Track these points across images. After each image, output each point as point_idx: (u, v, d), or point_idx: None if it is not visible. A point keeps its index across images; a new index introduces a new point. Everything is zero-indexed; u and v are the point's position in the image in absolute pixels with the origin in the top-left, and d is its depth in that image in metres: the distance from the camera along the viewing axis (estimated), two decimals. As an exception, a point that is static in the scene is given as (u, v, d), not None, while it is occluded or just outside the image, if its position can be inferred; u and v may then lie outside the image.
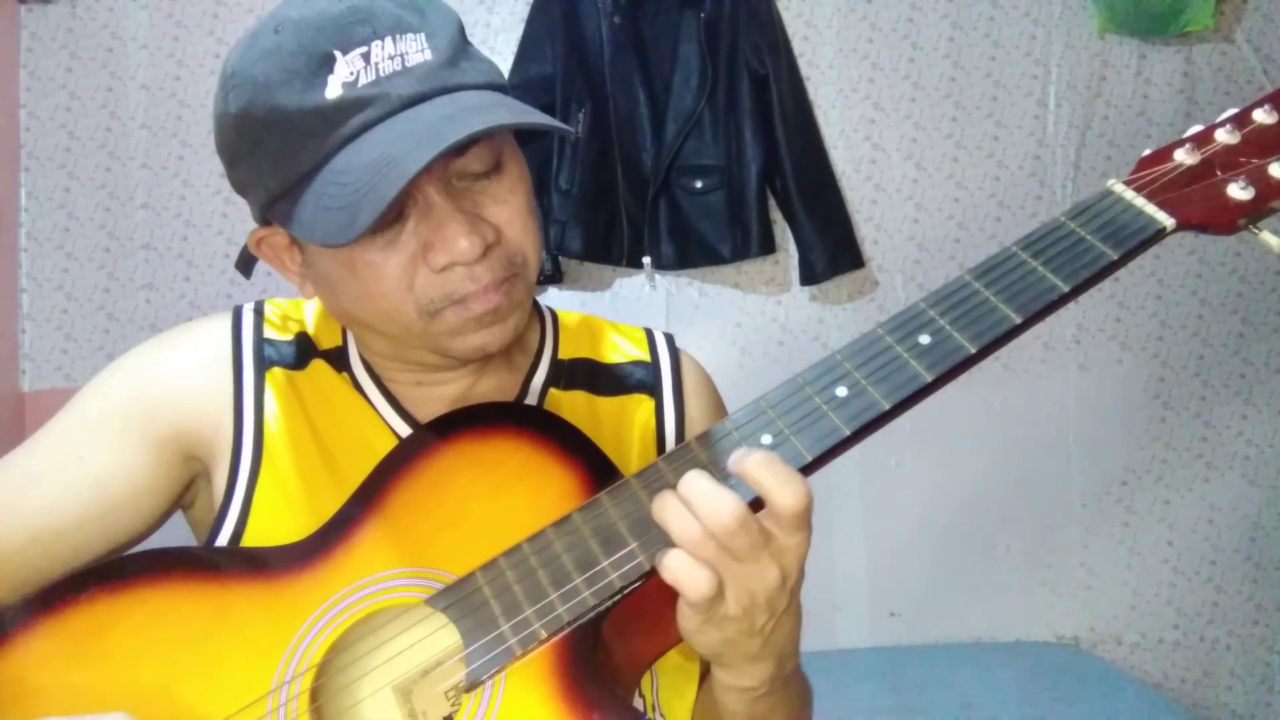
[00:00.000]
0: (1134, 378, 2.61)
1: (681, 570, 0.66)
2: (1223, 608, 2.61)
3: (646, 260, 2.49)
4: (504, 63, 2.53)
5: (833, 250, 2.48)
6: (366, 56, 0.73)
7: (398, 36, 0.74)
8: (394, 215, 0.75)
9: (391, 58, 0.73)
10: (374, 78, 0.72)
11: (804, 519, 0.66)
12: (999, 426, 2.60)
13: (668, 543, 0.67)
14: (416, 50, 0.74)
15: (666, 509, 0.66)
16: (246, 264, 0.90)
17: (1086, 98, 2.61)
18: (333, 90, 0.72)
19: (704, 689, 0.86)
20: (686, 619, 0.69)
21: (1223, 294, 2.61)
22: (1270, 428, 2.61)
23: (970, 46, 2.62)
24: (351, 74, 0.72)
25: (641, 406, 0.95)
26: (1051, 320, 2.73)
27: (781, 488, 0.65)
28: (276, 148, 0.74)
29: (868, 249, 2.60)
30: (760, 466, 0.66)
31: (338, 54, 0.72)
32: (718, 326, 2.62)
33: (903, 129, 2.62)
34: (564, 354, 0.96)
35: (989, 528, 2.60)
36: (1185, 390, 2.61)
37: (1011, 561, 2.60)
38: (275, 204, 0.78)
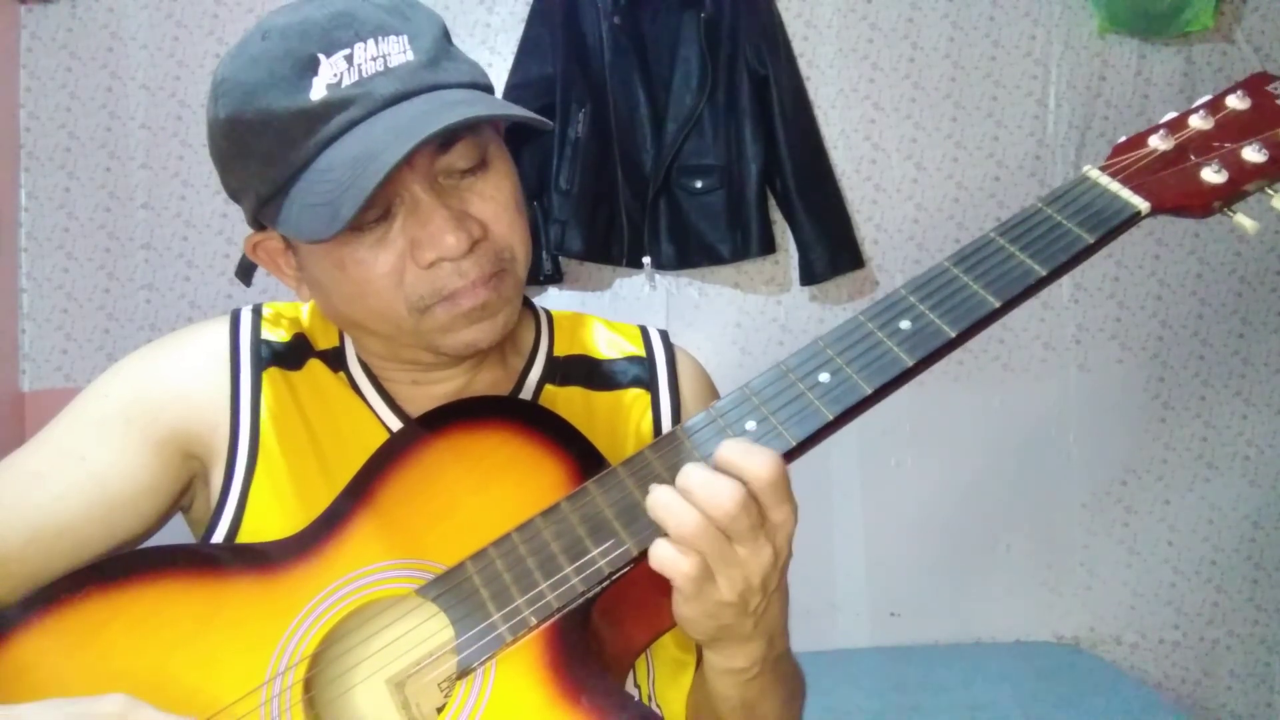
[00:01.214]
0: (1134, 378, 2.61)
1: (666, 557, 0.67)
2: (1223, 608, 2.60)
3: (646, 260, 2.49)
4: (504, 63, 2.54)
5: (833, 250, 2.48)
6: (349, 58, 0.75)
7: (380, 38, 0.76)
8: (381, 213, 0.77)
9: (374, 59, 0.75)
10: (357, 78, 0.75)
11: (783, 488, 0.68)
12: (999, 426, 2.60)
13: (656, 530, 0.68)
14: (399, 51, 0.76)
15: (660, 504, 0.67)
16: (246, 271, 0.92)
17: (1086, 98, 2.61)
18: (317, 91, 0.74)
19: (696, 678, 0.87)
20: (681, 606, 0.70)
21: (1223, 294, 2.61)
22: (1270, 428, 2.60)
23: (970, 46, 2.62)
24: (335, 75, 0.74)
25: (637, 402, 0.95)
26: (1051, 320, 2.73)
27: (747, 458, 0.66)
28: (265, 150, 0.76)
29: (868, 249, 2.60)
30: (725, 451, 0.67)
31: (321, 56, 0.75)
32: (718, 326, 2.62)
33: (903, 129, 2.62)
34: (559, 351, 0.97)
35: (989, 528, 2.60)
36: (1185, 390, 2.61)
37: (1011, 561, 2.59)
38: (265, 206, 0.79)
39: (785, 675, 0.82)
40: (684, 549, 0.66)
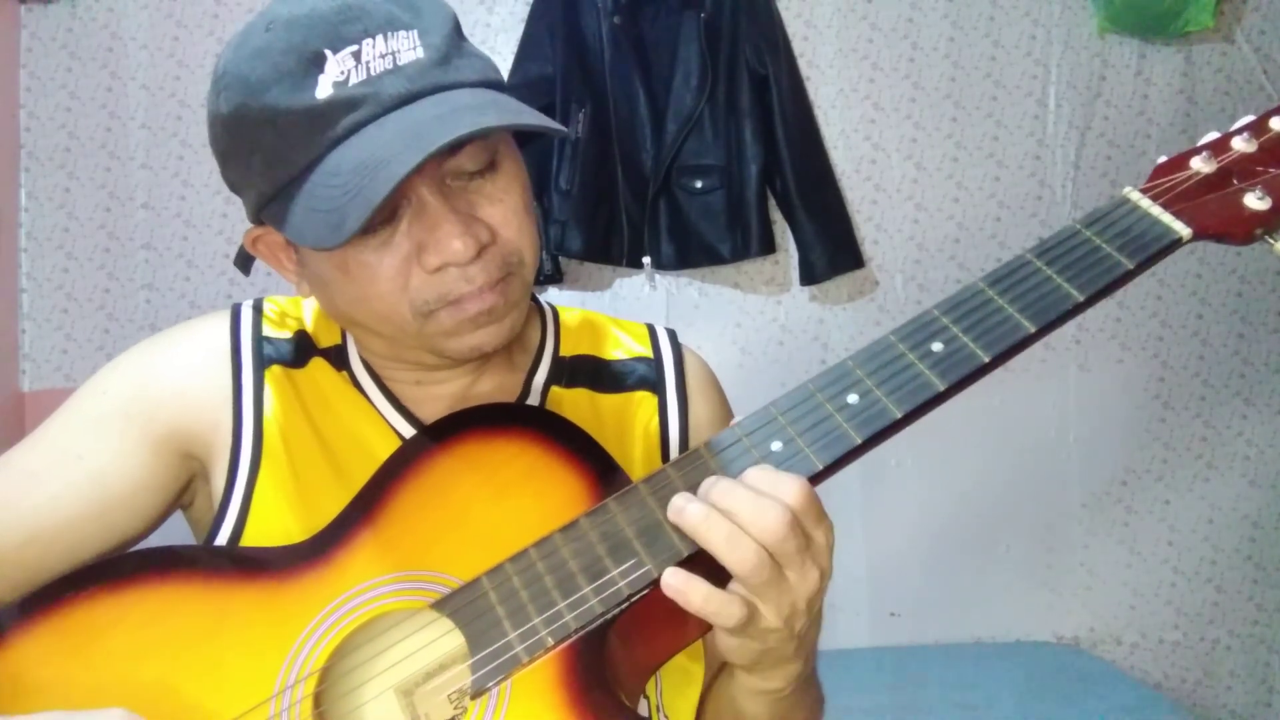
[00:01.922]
0: (1134, 378, 2.61)
1: (714, 604, 0.65)
2: (1223, 608, 2.61)
3: (646, 260, 2.48)
4: (504, 63, 2.53)
5: (833, 250, 2.48)
6: (357, 55, 0.72)
7: (389, 34, 0.72)
8: (387, 216, 0.74)
9: (383, 56, 0.72)
10: (365, 77, 0.71)
11: (818, 508, 0.67)
12: (999, 426, 2.60)
13: (676, 550, 0.67)
14: (408, 48, 0.73)
15: (700, 521, 0.65)
16: (245, 262, 0.89)
17: (1086, 98, 2.61)
18: (323, 90, 0.71)
19: (716, 691, 0.85)
20: (725, 639, 0.69)
21: (1223, 294, 2.61)
22: (1270, 428, 2.61)
23: (970, 46, 2.61)
24: (342, 73, 0.71)
25: (645, 403, 0.93)
26: (1051, 321, 2.67)
27: (776, 487, 0.66)
28: (268, 148, 0.74)
29: (868, 249, 2.60)
30: (751, 481, 0.66)
31: (328, 53, 0.71)
32: (718, 326, 2.62)
33: (903, 129, 2.62)
34: (565, 351, 0.95)
35: (989, 528, 2.60)
36: (1185, 390, 2.61)
37: (1011, 561, 2.60)
38: (268, 205, 0.77)
39: (813, 689, 0.82)
40: (733, 592, 0.65)
